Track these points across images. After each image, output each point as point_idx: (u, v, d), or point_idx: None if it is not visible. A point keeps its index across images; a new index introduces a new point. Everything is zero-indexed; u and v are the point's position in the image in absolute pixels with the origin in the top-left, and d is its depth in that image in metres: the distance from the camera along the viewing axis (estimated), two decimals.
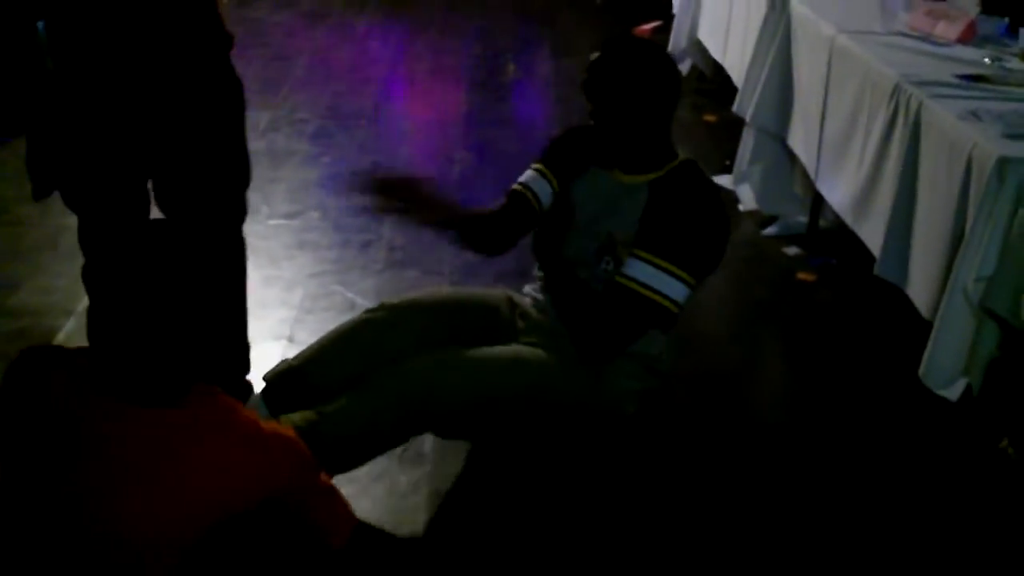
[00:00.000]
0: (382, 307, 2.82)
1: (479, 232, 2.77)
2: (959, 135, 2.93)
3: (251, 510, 1.98)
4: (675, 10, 6.13)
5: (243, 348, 3.11)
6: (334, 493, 2.24)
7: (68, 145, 2.70)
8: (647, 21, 7.13)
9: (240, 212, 2.96)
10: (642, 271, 2.54)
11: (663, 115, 2.63)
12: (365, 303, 3.73)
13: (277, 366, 2.77)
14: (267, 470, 1.97)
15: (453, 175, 4.87)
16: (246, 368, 3.11)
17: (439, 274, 3.96)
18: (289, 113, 5.59)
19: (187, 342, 1.89)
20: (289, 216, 4.41)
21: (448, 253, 4.08)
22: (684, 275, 2.54)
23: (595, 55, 2.63)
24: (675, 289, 2.53)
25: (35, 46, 2.59)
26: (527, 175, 2.87)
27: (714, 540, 2.70)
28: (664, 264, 2.53)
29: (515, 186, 2.86)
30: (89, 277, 2.94)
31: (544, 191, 2.83)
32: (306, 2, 7.73)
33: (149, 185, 2.86)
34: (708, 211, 2.61)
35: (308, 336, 3.51)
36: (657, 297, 2.53)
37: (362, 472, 2.68)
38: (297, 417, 2.50)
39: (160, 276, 1.86)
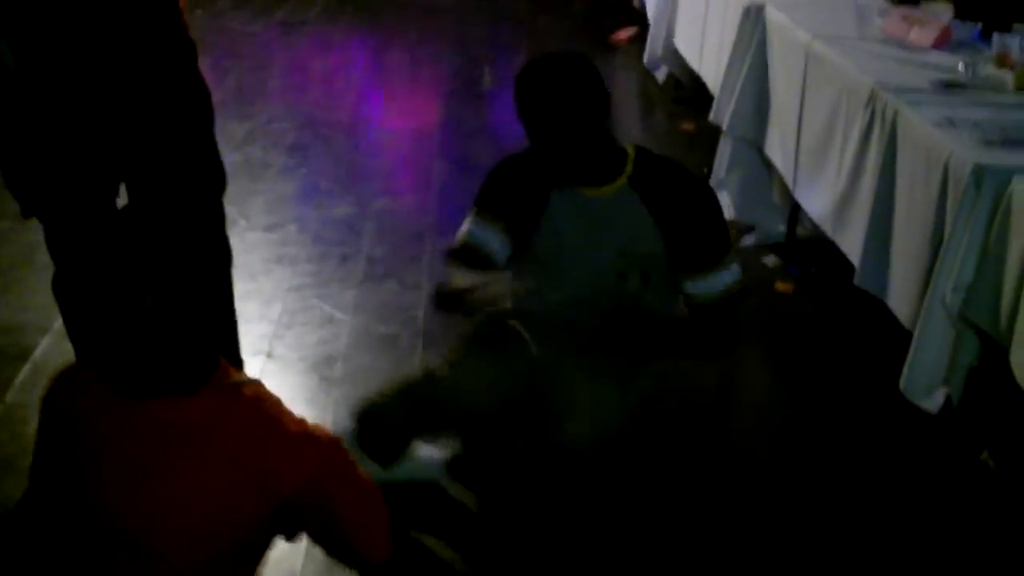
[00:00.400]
0: (447, 362, 2.71)
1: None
2: (935, 143, 2.93)
3: (280, 505, 1.91)
4: (650, 18, 6.14)
5: (236, 363, 3.10)
6: (373, 500, 2.08)
7: (36, 154, 2.70)
8: (623, 28, 7.14)
9: (218, 217, 2.96)
10: (714, 282, 2.66)
11: (608, 115, 2.61)
12: (344, 317, 3.72)
13: (364, 410, 2.74)
14: (288, 465, 1.88)
15: (432, 184, 4.86)
16: None
17: (417, 287, 3.94)
18: (266, 124, 5.57)
19: (176, 325, 1.81)
20: (267, 229, 4.39)
21: (427, 266, 4.08)
22: (733, 256, 2.71)
23: (522, 84, 2.56)
24: (737, 271, 2.70)
25: None
26: (471, 224, 2.74)
27: (696, 551, 2.69)
28: (723, 263, 2.67)
29: (464, 240, 2.72)
30: (59, 287, 2.94)
31: (490, 240, 2.71)
32: (281, 12, 7.71)
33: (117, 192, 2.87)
34: (706, 192, 2.72)
35: (287, 351, 3.51)
36: (735, 286, 2.69)
37: None
38: None
39: (141, 258, 1.78)
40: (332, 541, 2.02)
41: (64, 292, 2.95)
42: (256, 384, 1.97)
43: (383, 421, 2.69)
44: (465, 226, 2.75)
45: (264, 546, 1.99)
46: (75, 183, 2.74)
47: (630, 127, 5.64)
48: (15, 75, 2.60)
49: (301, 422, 1.96)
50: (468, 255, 2.66)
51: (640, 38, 6.62)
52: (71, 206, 2.77)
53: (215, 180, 2.93)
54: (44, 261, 3.83)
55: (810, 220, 3.92)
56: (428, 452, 2.86)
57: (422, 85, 6.39)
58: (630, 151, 2.69)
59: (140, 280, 1.78)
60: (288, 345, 3.55)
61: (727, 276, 2.66)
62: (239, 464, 1.85)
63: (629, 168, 2.65)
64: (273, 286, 3.94)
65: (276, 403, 1.96)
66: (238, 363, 3.11)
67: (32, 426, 3.13)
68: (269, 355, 3.49)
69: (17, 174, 2.76)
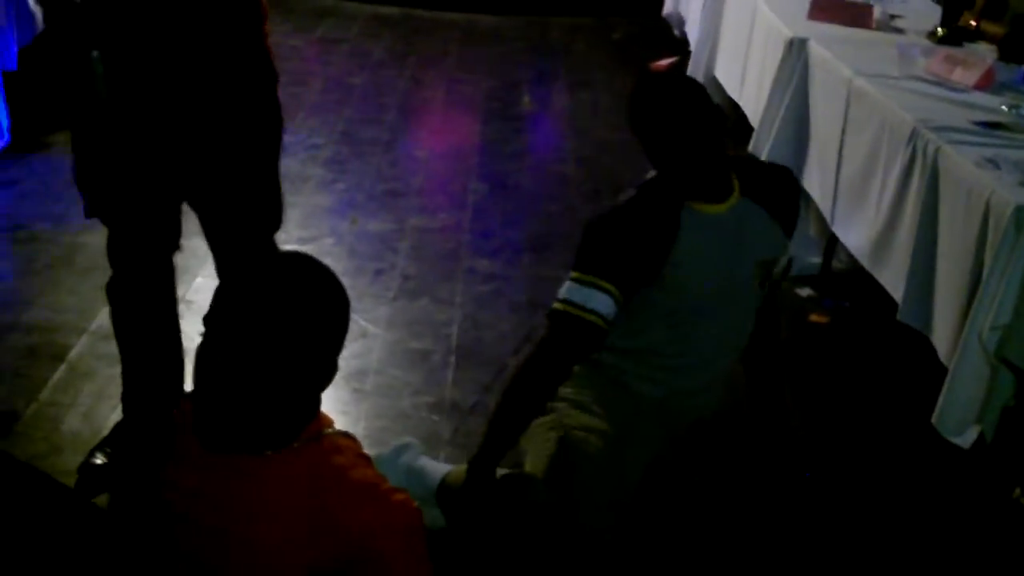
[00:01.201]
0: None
1: None
2: (977, 182, 2.93)
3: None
4: (691, 47, 6.15)
5: None
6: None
7: (111, 159, 2.74)
8: (663, 56, 7.15)
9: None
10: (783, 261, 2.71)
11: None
12: (377, 331, 3.73)
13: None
14: (343, 513, 1.78)
15: (468, 204, 4.88)
16: None
17: (451, 304, 3.96)
18: (304, 138, 5.59)
19: (295, 385, 1.75)
20: (303, 241, 4.41)
21: (461, 284, 4.09)
22: None
23: (655, 101, 2.49)
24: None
25: (89, 72, 2.63)
26: (602, 302, 2.46)
27: None
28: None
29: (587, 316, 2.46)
30: (113, 292, 2.96)
31: (599, 304, 2.47)
32: (321, 28, 7.75)
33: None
34: (795, 179, 2.80)
35: None
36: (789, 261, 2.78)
37: None
38: None
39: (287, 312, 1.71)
40: None
41: (118, 297, 2.97)
42: (339, 436, 1.86)
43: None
44: (570, 296, 2.48)
45: None
46: (145, 192, 2.78)
47: None
48: (103, 83, 2.65)
49: (373, 477, 1.84)
50: (576, 331, 2.46)
51: (680, 67, 6.63)
52: (137, 213, 2.81)
53: (274, 212, 2.95)
54: (83, 263, 3.90)
55: (846, 253, 3.92)
56: (429, 464, 2.85)
57: (460, 105, 6.41)
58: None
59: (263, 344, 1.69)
60: None
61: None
62: (298, 512, 1.78)
63: (735, 179, 2.60)
64: None
65: (351, 454, 1.85)
66: None
67: (65, 425, 3.18)
68: None
69: (90, 174, 2.80)
